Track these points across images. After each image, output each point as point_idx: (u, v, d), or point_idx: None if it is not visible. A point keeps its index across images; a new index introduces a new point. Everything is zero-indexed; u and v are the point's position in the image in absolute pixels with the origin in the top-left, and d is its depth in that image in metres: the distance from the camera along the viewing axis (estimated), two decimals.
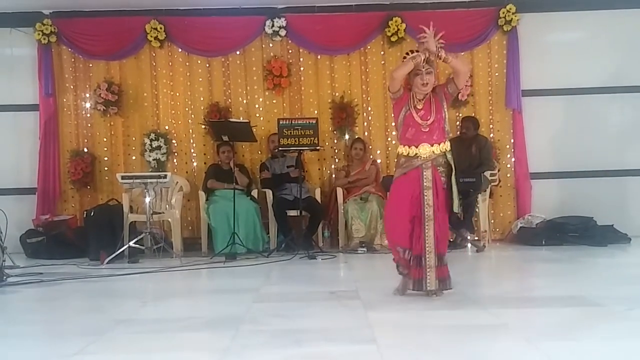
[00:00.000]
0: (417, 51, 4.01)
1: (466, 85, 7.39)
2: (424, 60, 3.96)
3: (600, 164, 7.49)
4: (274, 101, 7.57)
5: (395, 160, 4.31)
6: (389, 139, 7.54)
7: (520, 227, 7.15)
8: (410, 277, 4.03)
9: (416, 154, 4.00)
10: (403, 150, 4.06)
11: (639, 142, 7.51)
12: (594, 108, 7.52)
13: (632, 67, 7.51)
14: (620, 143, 7.54)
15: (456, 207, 4.08)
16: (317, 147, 6.67)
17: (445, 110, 4.06)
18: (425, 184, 3.99)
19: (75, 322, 3.74)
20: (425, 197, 3.97)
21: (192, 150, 7.62)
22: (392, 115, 4.32)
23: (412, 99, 4.06)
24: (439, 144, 4.01)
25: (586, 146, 7.48)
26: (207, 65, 7.59)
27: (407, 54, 4.07)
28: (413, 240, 4.00)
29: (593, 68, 7.50)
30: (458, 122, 7.39)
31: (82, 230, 6.82)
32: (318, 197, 7.14)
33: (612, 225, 6.94)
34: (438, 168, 4.03)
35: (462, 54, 7.48)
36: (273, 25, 7.39)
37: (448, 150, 4.04)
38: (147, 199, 6.30)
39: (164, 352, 2.99)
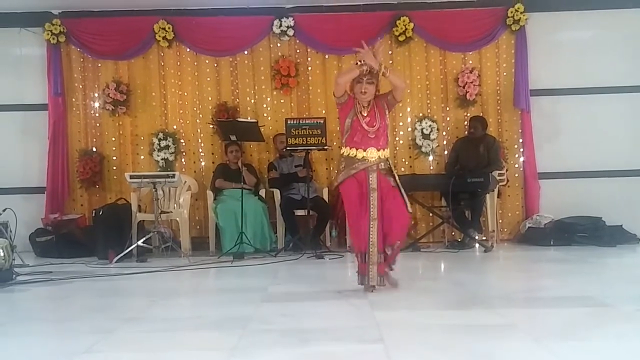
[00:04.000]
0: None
1: (474, 85, 7.39)
2: (367, 71, 4.18)
3: (609, 164, 7.46)
4: (282, 101, 7.58)
5: (338, 162, 4.41)
6: (397, 138, 7.53)
7: (529, 227, 7.14)
8: (358, 272, 4.28)
9: (363, 156, 4.20)
10: (349, 151, 4.24)
11: None
12: (602, 108, 7.48)
13: None
14: (630, 143, 7.51)
15: (409, 208, 4.27)
16: (325, 147, 6.68)
17: (387, 118, 4.31)
18: (371, 186, 4.19)
19: (84, 320, 3.75)
20: (371, 199, 4.17)
21: (200, 150, 7.64)
22: (338, 119, 4.54)
23: (357, 106, 4.26)
24: (384, 150, 4.26)
25: (595, 146, 7.45)
26: (215, 65, 7.61)
27: (356, 63, 4.24)
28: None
29: (602, 68, 7.47)
30: (466, 122, 7.39)
31: (91, 229, 6.84)
32: (325, 196, 7.14)
33: (621, 225, 6.93)
34: (382, 172, 4.23)
35: (471, 53, 7.51)
36: (281, 25, 7.40)
37: (388, 157, 4.30)
38: (155, 199, 6.33)
39: (172, 350, 3.00)
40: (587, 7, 7.48)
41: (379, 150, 4.21)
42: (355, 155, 4.21)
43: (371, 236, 4.13)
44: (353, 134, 4.23)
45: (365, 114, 4.23)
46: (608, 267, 5.63)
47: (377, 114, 4.25)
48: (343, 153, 4.28)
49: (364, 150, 4.20)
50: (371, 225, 4.14)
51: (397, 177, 4.28)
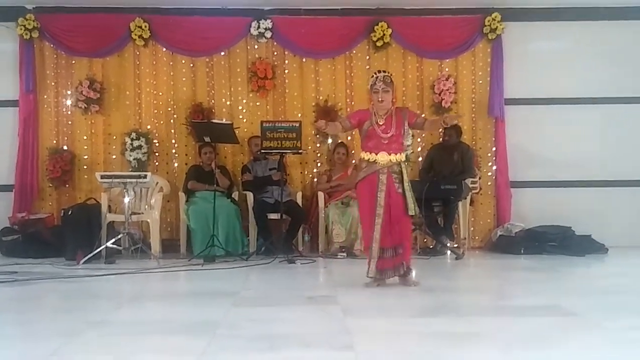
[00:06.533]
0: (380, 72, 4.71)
1: (450, 92, 7.43)
2: (380, 79, 4.63)
3: (580, 174, 7.55)
4: (258, 103, 7.54)
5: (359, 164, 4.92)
6: None
7: (500, 235, 7.18)
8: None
9: (375, 160, 4.62)
10: (365, 155, 4.68)
11: (618, 153, 7.57)
12: (576, 118, 7.57)
13: (614, 79, 7.55)
14: (601, 154, 7.60)
15: (411, 211, 4.62)
16: (300, 151, 6.66)
17: (406, 128, 4.73)
18: (380, 186, 4.58)
19: (50, 322, 3.69)
20: (378, 198, 4.56)
21: (174, 151, 7.55)
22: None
23: (374, 116, 4.67)
24: (396, 154, 4.66)
25: (567, 156, 7.54)
26: (191, 65, 7.54)
27: (375, 73, 4.72)
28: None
29: (576, 78, 7.57)
30: (441, 129, 7.42)
31: (59, 229, 6.72)
32: (299, 200, 7.12)
33: (590, 235, 6.99)
34: (392, 175, 4.62)
35: (448, 61, 7.55)
36: (259, 27, 7.36)
37: (403, 160, 4.71)
38: (126, 199, 6.25)
39: (139, 355, 2.96)
40: (563, 18, 7.54)
41: (390, 154, 4.61)
42: (369, 159, 4.63)
43: (375, 232, 4.50)
44: (368, 140, 4.66)
45: (382, 123, 4.63)
46: (576, 276, 5.70)
47: (393, 123, 4.63)
48: (361, 157, 4.73)
49: (376, 154, 4.60)
50: (376, 222, 4.50)
51: (406, 181, 4.63)
